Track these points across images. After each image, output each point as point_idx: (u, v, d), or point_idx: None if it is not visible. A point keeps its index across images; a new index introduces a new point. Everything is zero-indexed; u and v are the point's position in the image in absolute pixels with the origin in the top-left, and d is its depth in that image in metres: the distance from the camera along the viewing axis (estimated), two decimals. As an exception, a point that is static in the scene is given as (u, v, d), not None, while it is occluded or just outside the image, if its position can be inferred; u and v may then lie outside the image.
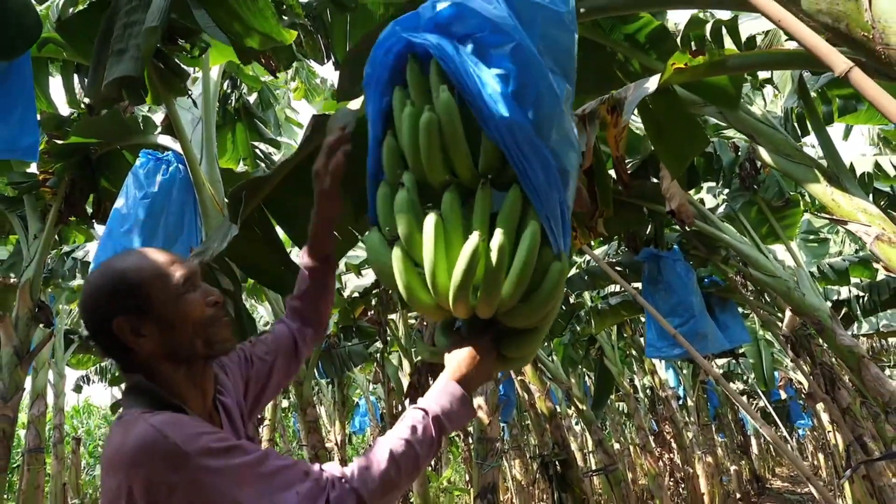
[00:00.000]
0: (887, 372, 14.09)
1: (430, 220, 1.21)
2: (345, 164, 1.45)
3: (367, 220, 1.44)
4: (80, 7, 2.98)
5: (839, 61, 1.37)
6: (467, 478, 15.11)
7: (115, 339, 1.19)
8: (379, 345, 10.24)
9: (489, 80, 1.17)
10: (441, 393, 1.23)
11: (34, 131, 2.86)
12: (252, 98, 6.05)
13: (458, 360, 1.26)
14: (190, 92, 3.48)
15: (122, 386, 1.26)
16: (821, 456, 18.28)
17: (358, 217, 2.22)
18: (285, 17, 2.58)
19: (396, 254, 1.27)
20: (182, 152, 3.54)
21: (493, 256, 1.16)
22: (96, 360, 12.17)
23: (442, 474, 13.32)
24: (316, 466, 1.12)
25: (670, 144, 2.46)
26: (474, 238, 1.15)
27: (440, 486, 12.08)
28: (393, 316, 7.85)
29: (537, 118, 1.21)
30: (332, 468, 1.13)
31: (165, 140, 3.93)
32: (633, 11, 2.63)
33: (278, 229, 2.52)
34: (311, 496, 1.06)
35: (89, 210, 4.98)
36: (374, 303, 6.49)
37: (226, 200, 3.68)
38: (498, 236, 1.16)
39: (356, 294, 6.55)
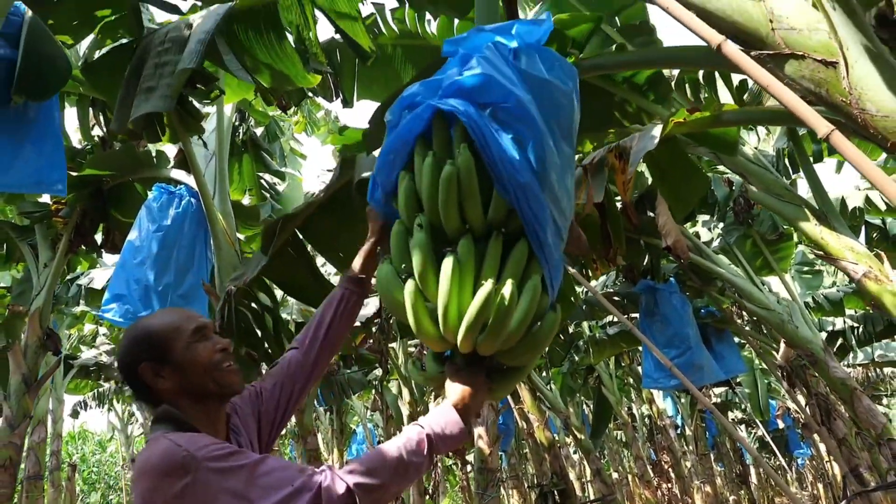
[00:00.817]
0: (885, 401, 14.12)
1: (449, 262, 1.33)
2: None
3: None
4: (106, 49, 3.12)
5: (821, 124, 1.50)
6: (465, 506, 15.04)
7: (141, 381, 1.43)
8: (378, 372, 10.31)
9: (508, 146, 1.31)
10: (440, 415, 1.37)
11: (62, 167, 3.00)
12: (258, 130, 6.20)
13: (459, 390, 1.39)
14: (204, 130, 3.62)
15: (156, 413, 1.44)
16: (820, 486, 18.17)
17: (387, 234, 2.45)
18: (309, 62, 2.74)
19: (409, 287, 1.39)
20: (196, 187, 3.67)
21: (504, 304, 1.28)
22: (94, 384, 12.19)
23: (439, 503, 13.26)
24: (310, 467, 1.29)
25: (673, 188, 2.61)
26: (488, 285, 1.28)
27: (437, 515, 12.02)
28: (393, 344, 7.92)
29: (546, 181, 1.35)
30: (326, 466, 1.30)
31: (178, 174, 4.05)
32: (627, 70, 2.78)
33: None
34: (306, 485, 1.23)
35: (98, 239, 5.10)
36: (374, 331, 6.56)
37: (239, 236, 3.82)
38: (508, 286, 1.29)
39: (358, 323, 6.63)
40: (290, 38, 2.69)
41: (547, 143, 1.39)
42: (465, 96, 1.35)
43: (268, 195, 6.47)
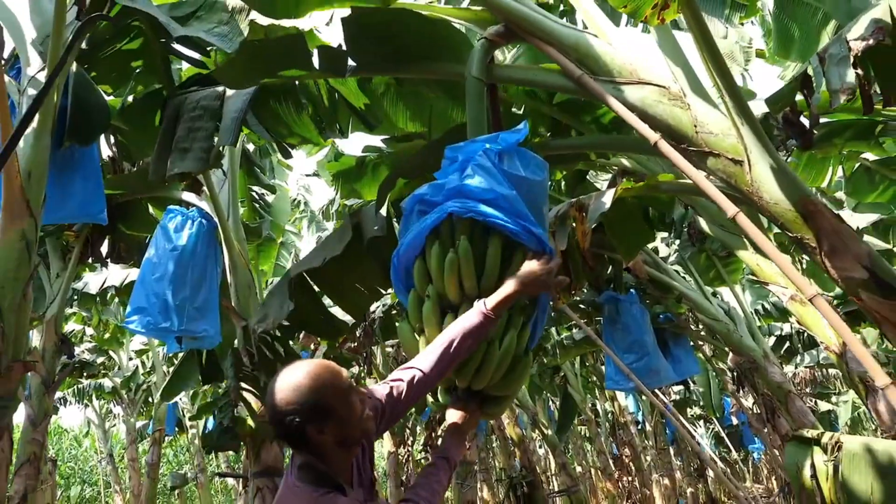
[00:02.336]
0: (833, 399, 14.90)
1: (448, 322, 1.84)
2: None
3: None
4: (138, 95, 3.54)
5: (730, 207, 2.04)
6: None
7: (303, 438, 1.60)
8: (354, 370, 10.76)
9: (503, 218, 1.82)
10: (450, 443, 1.90)
11: (102, 199, 3.41)
12: (250, 146, 6.59)
13: (458, 414, 1.91)
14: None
15: (292, 455, 1.71)
16: (774, 479, 19.05)
17: (385, 279, 2.92)
18: (324, 130, 3.21)
19: (421, 342, 1.91)
20: (210, 210, 4.09)
21: (491, 358, 1.81)
22: (73, 381, 12.40)
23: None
24: None
25: (622, 238, 3.14)
26: (482, 347, 1.81)
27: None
28: (374, 347, 8.37)
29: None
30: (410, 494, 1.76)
31: (189, 197, 4.45)
32: (588, 150, 3.31)
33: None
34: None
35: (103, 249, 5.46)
36: (358, 335, 7.03)
37: (245, 254, 4.24)
38: (496, 345, 1.82)
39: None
40: (306, 110, 3.16)
41: (529, 220, 1.89)
42: (468, 196, 1.85)
43: (257, 206, 6.88)
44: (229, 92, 2.89)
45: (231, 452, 17.12)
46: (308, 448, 1.62)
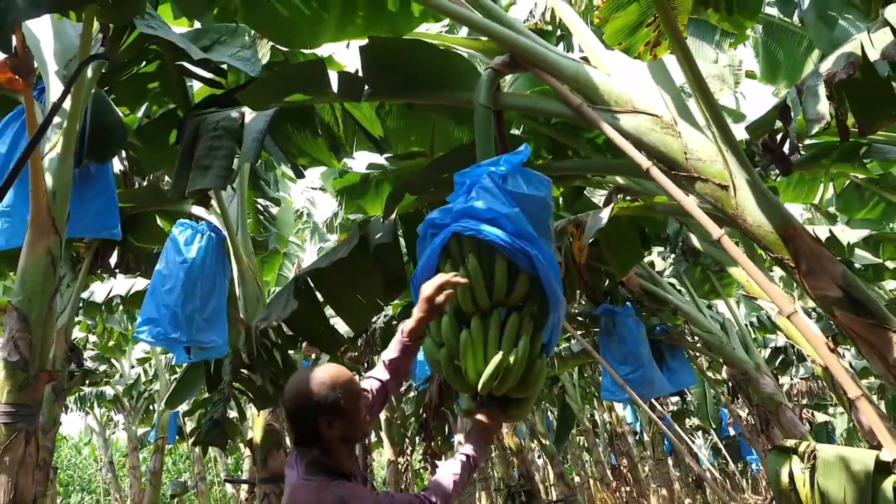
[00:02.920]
0: (830, 410, 14.99)
1: (464, 336, 2.00)
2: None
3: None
4: (153, 115, 3.70)
5: (715, 230, 2.19)
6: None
7: (315, 430, 1.80)
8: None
9: (513, 242, 1.95)
10: (473, 443, 2.04)
11: (116, 214, 3.56)
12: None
13: (482, 419, 2.05)
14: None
15: (299, 450, 1.86)
16: (772, 491, 19.01)
17: (386, 293, 3.06)
18: (338, 151, 3.39)
19: (443, 353, 2.05)
20: (219, 225, 4.24)
21: (508, 364, 1.93)
22: (74, 389, 12.49)
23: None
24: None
25: (615, 255, 3.29)
26: (499, 356, 1.93)
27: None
28: (376, 357, 8.48)
29: (547, 261, 2.00)
30: (424, 492, 1.91)
31: (199, 211, 4.60)
32: (586, 172, 3.48)
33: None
34: (418, 497, 1.87)
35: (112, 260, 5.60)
36: (360, 345, 7.16)
37: (253, 267, 4.38)
38: (512, 353, 1.94)
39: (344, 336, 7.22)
40: (321, 133, 3.33)
41: (533, 236, 2.04)
42: (471, 216, 1.99)
43: (262, 217, 7.03)
44: (248, 114, 3.05)
45: (230, 461, 17.22)
46: (317, 441, 1.81)
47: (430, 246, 2.04)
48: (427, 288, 1.95)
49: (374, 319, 7.03)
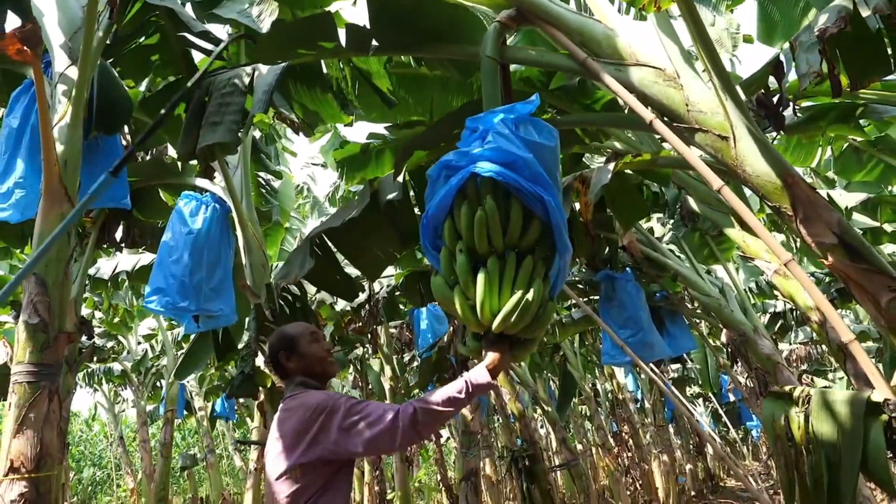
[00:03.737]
0: (829, 376, 15.17)
1: (482, 275, 2.05)
2: None
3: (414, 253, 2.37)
4: (156, 87, 3.73)
5: (716, 180, 2.25)
6: (438, 478, 15.88)
7: (279, 362, 2.39)
8: (358, 352, 11.02)
9: (525, 182, 2.00)
10: (477, 372, 2.13)
11: (125, 185, 3.61)
12: (257, 133, 6.77)
13: (492, 356, 2.13)
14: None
15: (285, 383, 2.41)
16: (773, 458, 19.26)
17: (402, 244, 3.18)
18: (347, 106, 3.44)
19: (457, 292, 2.10)
20: (223, 195, 4.29)
21: (525, 303, 2.00)
22: (84, 366, 12.63)
23: (415, 475, 14.05)
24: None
25: (620, 210, 3.35)
26: (518, 294, 2.00)
27: (414, 485, 12.81)
28: (378, 327, 8.59)
29: (558, 208, 2.05)
30: (410, 401, 2.13)
31: (203, 182, 4.65)
32: (591, 126, 3.52)
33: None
34: (392, 406, 2.12)
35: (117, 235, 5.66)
36: (363, 315, 7.26)
37: (259, 235, 4.44)
38: (530, 293, 2.01)
39: (347, 308, 7.32)
40: (331, 88, 3.37)
41: (548, 181, 2.10)
42: (490, 160, 2.05)
43: (264, 191, 7.07)
44: (258, 72, 3.09)
45: (238, 435, 17.48)
46: (286, 374, 2.38)
47: (446, 186, 2.09)
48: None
49: (377, 290, 7.13)
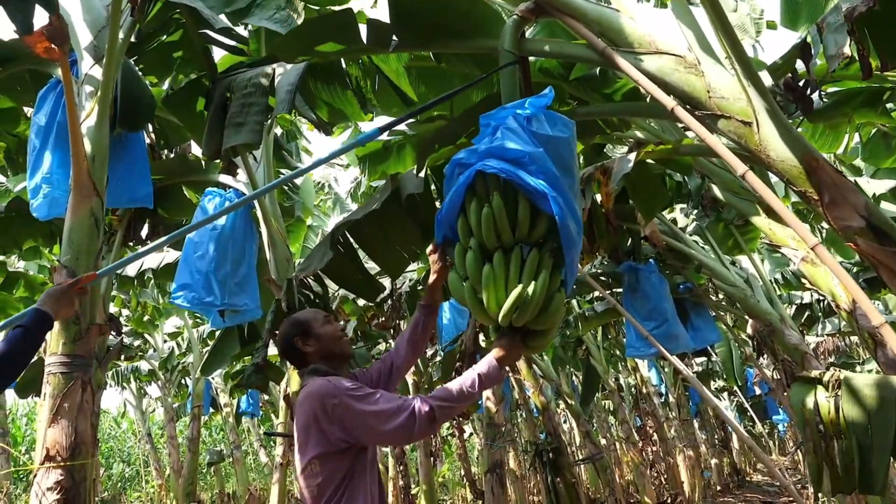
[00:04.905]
0: (857, 369, 14.93)
1: (486, 270, 2.08)
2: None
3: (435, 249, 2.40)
4: (178, 85, 3.78)
5: (739, 166, 2.23)
6: (461, 472, 15.92)
7: (294, 350, 2.35)
8: (381, 347, 11.07)
9: (530, 178, 2.01)
10: (486, 363, 2.14)
11: (148, 183, 3.67)
12: (278, 130, 6.82)
13: (500, 347, 2.16)
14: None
15: (299, 373, 2.38)
16: (800, 452, 19.05)
17: (423, 241, 3.19)
18: (366, 105, 3.46)
19: (467, 287, 2.14)
20: (246, 191, 4.33)
21: (527, 296, 2.01)
22: (111, 364, 12.85)
23: (439, 470, 14.09)
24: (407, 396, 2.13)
25: (642, 200, 3.32)
26: (518, 288, 2.01)
27: (438, 479, 12.85)
28: (401, 322, 8.62)
29: (564, 198, 2.05)
30: (417, 395, 2.10)
31: (226, 179, 4.70)
32: (611, 116, 3.50)
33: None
34: (406, 402, 2.05)
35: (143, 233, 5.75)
36: (386, 310, 7.29)
37: (282, 230, 4.48)
38: (531, 285, 2.01)
39: (370, 303, 7.35)
40: (351, 86, 3.39)
41: (554, 175, 2.09)
42: (496, 157, 2.05)
43: (285, 188, 7.13)
44: (280, 70, 3.12)
45: (262, 425, 17.66)
46: (301, 361, 2.35)
47: (456, 184, 2.11)
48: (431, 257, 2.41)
49: (399, 284, 7.15)
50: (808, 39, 2.32)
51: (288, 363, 2.63)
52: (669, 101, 2.35)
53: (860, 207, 2.09)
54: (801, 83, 2.52)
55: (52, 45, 2.52)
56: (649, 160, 3.27)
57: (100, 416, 4.99)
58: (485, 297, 2.08)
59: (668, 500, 9.16)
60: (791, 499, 13.61)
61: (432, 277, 2.50)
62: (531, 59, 3.24)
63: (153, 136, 5.06)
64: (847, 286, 2.14)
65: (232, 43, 3.67)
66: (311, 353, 2.33)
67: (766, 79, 2.82)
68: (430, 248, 2.44)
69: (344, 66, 3.32)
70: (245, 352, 5.30)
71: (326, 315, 2.42)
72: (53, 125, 3.25)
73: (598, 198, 3.49)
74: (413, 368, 9.65)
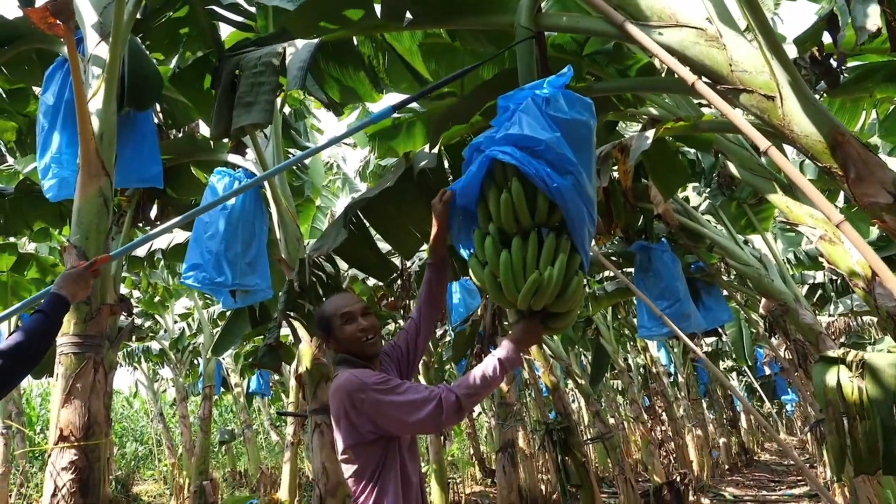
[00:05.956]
0: (868, 349, 14.84)
1: (504, 256, 2.06)
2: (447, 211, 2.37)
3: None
4: (185, 63, 3.73)
5: (763, 142, 2.16)
6: (471, 451, 16.02)
7: (326, 341, 2.38)
8: (390, 327, 11.09)
9: (542, 169, 1.96)
10: (506, 348, 2.13)
11: (158, 162, 3.63)
12: (287, 109, 6.76)
13: (519, 330, 2.16)
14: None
15: (335, 359, 2.37)
16: (808, 433, 19.07)
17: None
18: (379, 84, 3.40)
19: (486, 272, 2.12)
20: (256, 170, 4.29)
21: (544, 281, 1.98)
22: (123, 345, 12.94)
23: (448, 449, 14.19)
24: (433, 386, 2.11)
25: (660, 177, 3.26)
26: (535, 274, 1.99)
27: (448, 458, 12.93)
28: (411, 302, 8.60)
29: (578, 185, 2.01)
30: (442, 385, 2.09)
31: (235, 158, 4.66)
32: (628, 92, 3.42)
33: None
34: (433, 393, 2.05)
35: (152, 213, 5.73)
36: (396, 290, 7.27)
37: (292, 209, 4.45)
38: (548, 270, 1.99)
39: (380, 283, 7.33)
40: (363, 65, 3.33)
41: (569, 160, 2.04)
42: (511, 143, 2.01)
43: (294, 168, 7.08)
44: (290, 49, 3.06)
45: (272, 405, 17.82)
46: (335, 348, 2.35)
47: (470, 170, 2.08)
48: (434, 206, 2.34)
49: (409, 264, 7.12)
50: (835, 10, 2.24)
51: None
52: (690, 76, 2.28)
53: (888, 183, 2.03)
54: (827, 57, 2.44)
55: (57, 21, 2.46)
56: (667, 137, 3.20)
57: (112, 397, 5.02)
58: (503, 281, 2.07)
59: (677, 479, 9.16)
60: (800, 477, 13.65)
61: (434, 230, 2.40)
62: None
63: (160, 115, 5.02)
64: (872, 263, 2.08)
65: (239, 19, 3.60)
66: (336, 348, 2.35)
67: (791, 52, 2.74)
68: (437, 197, 2.34)
69: (356, 44, 3.25)
70: (256, 332, 5.29)
71: (347, 312, 2.30)
72: (61, 104, 3.21)
73: (616, 175, 3.43)
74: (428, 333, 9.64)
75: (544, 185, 1.99)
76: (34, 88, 4.37)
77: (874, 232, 7.60)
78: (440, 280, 2.54)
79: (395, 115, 4.93)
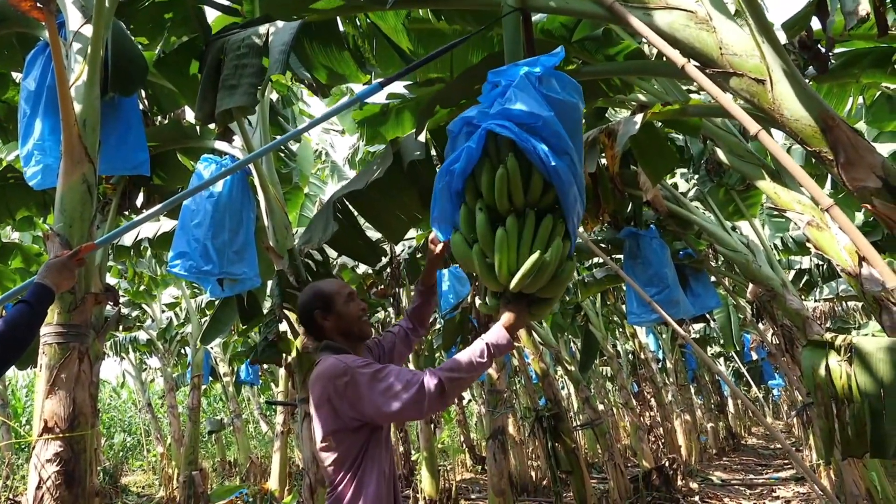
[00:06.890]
0: (853, 333, 14.97)
1: (500, 234, 2.01)
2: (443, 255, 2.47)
3: (431, 218, 2.30)
4: (169, 48, 3.66)
5: (752, 126, 2.15)
6: (461, 438, 16.09)
7: (313, 322, 2.30)
8: (380, 315, 11.06)
9: (540, 146, 1.93)
10: (495, 332, 2.09)
11: (144, 149, 3.57)
12: (274, 96, 6.69)
13: (509, 315, 2.11)
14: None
15: (315, 344, 2.29)
16: (794, 417, 19.31)
17: (423, 206, 3.11)
18: (365, 65, 3.35)
19: (475, 250, 2.06)
20: (243, 157, 4.24)
21: (542, 263, 1.95)
22: (110, 335, 12.84)
23: (439, 436, 14.23)
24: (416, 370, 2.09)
25: (649, 162, 3.25)
26: (536, 254, 1.94)
27: (438, 446, 12.97)
28: (401, 290, 8.59)
29: (572, 169, 1.98)
30: (427, 369, 2.06)
31: (221, 145, 4.60)
32: (616, 76, 3.40)
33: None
34: (416, 376, 2.02)
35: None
36: (386, 278, 7.25)
37: (280, 197, 4.40)
38: (548, 252, 1.96)
39: (369, 271, 7.31)
40: (348, 46, 3.28)
41: (566, 140, 2.02)
42: (508, 119, 1.97)
43: (283, 154, 7.02)
44: (272, 29, 3.01)
45: (262, 394, 17.79)
46: (318, 334, 2.31)
47: (467, 144, 2.03)
48: (433, 246, 2.44)
49: (398, 252, 7.10)
50: (825, -7, 2.23)
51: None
52: (680, 58, 2.26)
53: (877, 167, 2.03)
54: (816, 42, 2.43)
55: (38, 4, 2.41)
56: (656, 122, 3.19)
57: (99, 387, 4.97)
58: (497, 261, 2.01)
59: (666, 464, 9.25)
60: (786, 461, 13.82)
61: (427, 265, 2.54)
62: (533, 19, 3.14)
63: (146, 101, 4.94)
64: (862, 248, 2.09)
65: (225, 3, 3.55)
66: (329, 328, 2.29)
67: (780, 37, 2.73)
68: (432, 236, 2.43)
69: (340, 25, 3.21)
70: (245, 323, 5.25)
71: (351, 292, 2.35)
72: (43, 90, 3.15)
73: (603, 161, 3.42)
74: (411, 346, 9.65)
75: (541, 163, 1.95)
76: (14, 74, 4.29)
77: (859, 217, 7.67)
78: (427, 303, 2.65)
79: (384, 100, 4.90)
